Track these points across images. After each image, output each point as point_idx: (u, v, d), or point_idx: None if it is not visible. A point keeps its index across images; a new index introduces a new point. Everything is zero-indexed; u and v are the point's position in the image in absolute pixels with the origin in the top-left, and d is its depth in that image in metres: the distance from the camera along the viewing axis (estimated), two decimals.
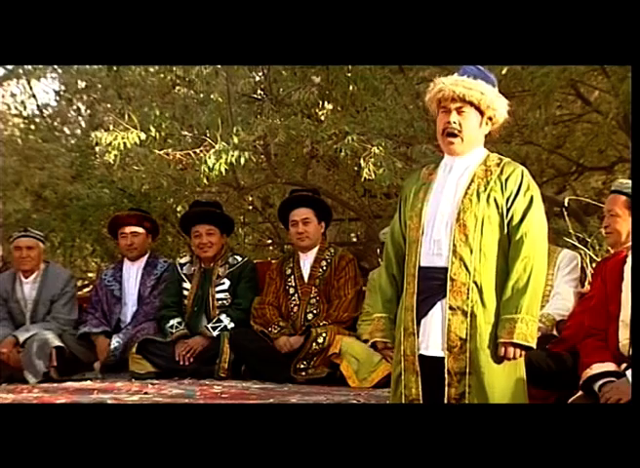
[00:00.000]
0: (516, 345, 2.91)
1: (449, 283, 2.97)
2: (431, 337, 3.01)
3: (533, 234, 2.96)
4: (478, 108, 3.03)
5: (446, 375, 2.96)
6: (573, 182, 7.43)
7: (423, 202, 3.09)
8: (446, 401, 2.96)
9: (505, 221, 2.99)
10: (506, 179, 3.01)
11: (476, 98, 3.01)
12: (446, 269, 2.98)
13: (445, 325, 2.97)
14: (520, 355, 2.95)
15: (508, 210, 2.99)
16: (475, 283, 2.96)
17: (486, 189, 3.00)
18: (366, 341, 4.81)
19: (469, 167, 3.08)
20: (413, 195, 3.15)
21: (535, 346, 2.96)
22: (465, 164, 3.08)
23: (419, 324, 3.02)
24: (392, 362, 3.18)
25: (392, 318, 3.14)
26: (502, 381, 2.97)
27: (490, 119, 3.08)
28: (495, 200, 2.99)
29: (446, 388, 2.96)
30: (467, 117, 3.03)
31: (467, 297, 2.96)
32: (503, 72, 5.43)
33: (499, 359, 2.94)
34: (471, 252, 2.97)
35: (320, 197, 5.46)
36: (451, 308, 2.97)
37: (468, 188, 3.02)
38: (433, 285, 3.01)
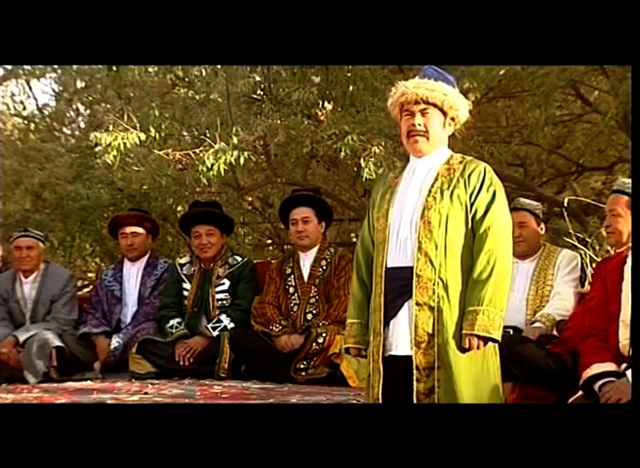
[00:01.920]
0: (479, 337, 2.94)
1: (415, 279, 3.00)
2: (400, 337, 3.04)
3: (496, 228, 3.00)
4: (441, 109, 3.09)
5: (414, 371, 2.98)
6: (573, 182, 7.43)
7: (389, 203, 3.13)
8: (415, 396, 2.97)
9: (469, 217, 3.04)
10: (469, 176, 3.06)
11: (439, 100, 3.07)
12: (412, 268, 3.01)
13: (412, 321, 3.00)
14: (483, 346, 2.97)
15: (472, 205, 3.03)
16: (441, 278, 2.99)
17: (449, 187, 3.05)
18: None
19: (433, 167, 3.12)
20: (379, 198, 3.19)
21: (498, 338, 2.98)
22: (429, 164, 3.13)
23: (386, 324, 3.05)
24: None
25: (364, 323, 3.16)
26: (471, 375, 2.99)
27: (452, 119, 3.14)
28: (458, 197, 3.03)
29: (414, 384, 2.97)
30: (431, 118, 3.09)
31: (433, 293, 2.98)
32: (502, 72, 5.44)
33: (463, 350, 2.97)
34: (436, 248, 3.00)
35: (321, 197, 5.46)
36: (417, 304, 3.00)
37: (432, 187, 3.07)
38: (400, 285, 3.03)
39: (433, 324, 2.98)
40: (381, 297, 3.06)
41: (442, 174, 3.08)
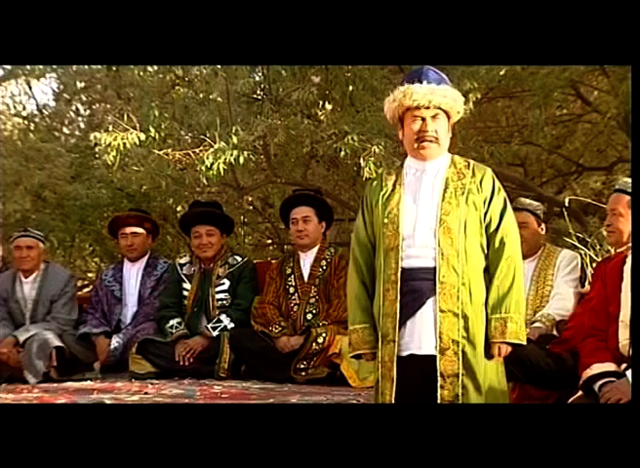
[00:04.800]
0: (508, 344, 3.01)
1: (438, 285, 3.00)
2: (423, 337, 3.02)
3: (511, 234, 3.06)
4: (448, 114, 3.12)
5: (438, 378, 2.98)
6: (573, 182, 7.44)
7: (398, 208, 3.10)
8: (439, 402, 2.97)
9: (484, 223, 3.07)
10: (480, 182, 3.09)
11: (450, 106, 3.11)
12: (433, 269, 3.01)
13: (437, 327, 2.99)
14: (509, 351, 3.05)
15: (486, 212, 3.07)
16: (464, 284, 3.00)
17: (463, 192, 3.07)
18: None
19: (440, 170, 3.13)
20: (383, 202, 3.13)
21: (525, 342, 3.06)
22: (437, 167, 3.14)
23: (400, 329, 3.03)
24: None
25: (374, 325, 3.12)
26: (495, 380, 3.05)
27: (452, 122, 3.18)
28: (473, 202, 3.06)
29: (439, 390, 2.98)
30: (440, 123, 3.11)
31: (458, 299, 2.99)
32: (502, 72, 5.44)
33: (490, 357, 3.02)
34: (457, 254, 3.01)
35: (322, 197, 5.46)
36: (441, 311, 3.00)
37: (445, 192, 3.08)
38: (421, 285, 3.02)
39: (458, 330, 2.98)
40: (395, 304, 3.03)
41: (451, 178, 3.09)
